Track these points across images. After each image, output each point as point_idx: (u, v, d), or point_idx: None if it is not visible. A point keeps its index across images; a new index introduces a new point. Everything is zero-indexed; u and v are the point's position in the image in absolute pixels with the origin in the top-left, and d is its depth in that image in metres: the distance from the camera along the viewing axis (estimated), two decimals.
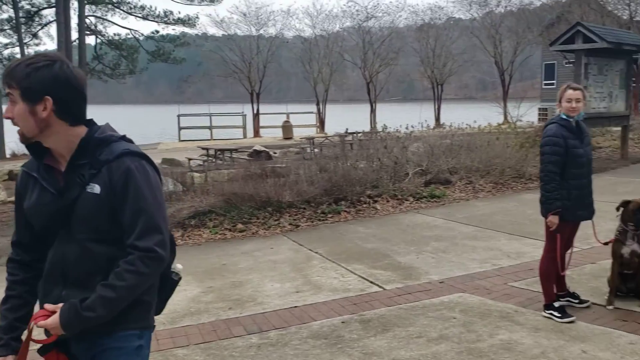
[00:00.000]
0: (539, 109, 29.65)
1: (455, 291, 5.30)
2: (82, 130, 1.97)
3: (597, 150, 14.83)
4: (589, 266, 5.76)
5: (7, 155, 25.52)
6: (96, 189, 1.90)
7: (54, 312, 1.88)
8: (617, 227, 4.77)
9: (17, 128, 1.94)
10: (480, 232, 7.55)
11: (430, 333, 4.36)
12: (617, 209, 4.75)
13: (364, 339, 4.31)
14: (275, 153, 19.86)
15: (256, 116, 34.31)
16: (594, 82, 12.35)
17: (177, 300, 5.12)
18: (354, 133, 18.40)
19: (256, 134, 33.52)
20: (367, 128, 22.61)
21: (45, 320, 1.87)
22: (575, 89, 4.54)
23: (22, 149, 20.75)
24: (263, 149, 19.93)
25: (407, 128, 14.78)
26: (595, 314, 4.58)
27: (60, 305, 1.89)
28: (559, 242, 4.52)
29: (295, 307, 5.11)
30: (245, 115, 34.12)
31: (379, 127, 16.94)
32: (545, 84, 36.84)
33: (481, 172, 11.35)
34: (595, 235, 4.72)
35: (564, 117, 4.51)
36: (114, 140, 1.99)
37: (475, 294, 5.19)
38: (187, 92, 72.20)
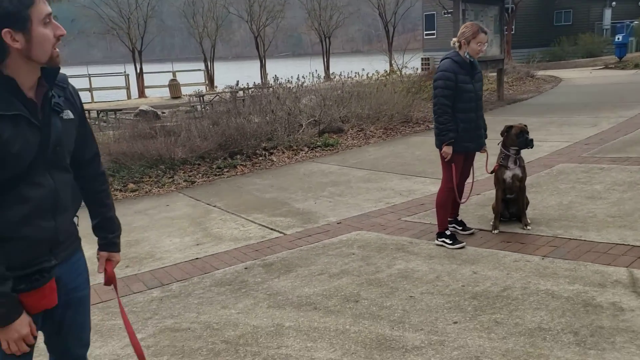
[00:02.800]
0: (422, 58, 30.74)
1: (353, 230, 5.45)
2: None
3: None
4: (475, 197, 6.11)
5: None
6: (70, 114, 1.93)
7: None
8: (499, 154, 5.09)
9: None
10: (374, 175, 7.79)
11: (332, 269, 4.47)
12: (502, 134, 5.05)
13: (268, 281, 4.33)
14: (163, 113, 19.10)
15: (140, 76, 32.60)
16: None
17: None
18: (244, 88, 18.09)
19: (141, 94, 31.94)
20: (258, 82, 22.27)
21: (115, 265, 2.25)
22: (486, 32, 4.70)
23: None
24: (150, 108, 19.10)
25: (298, 79, 14.76)
26: (482, 239, 4.91)
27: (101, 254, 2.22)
28: (454, 172, 4.77)
29: (197, 258, 5.02)
30: (128, 75, 32.34)
31: (270, 80, 16.78)
32: (427, 34, 38.21)
33: (371, 119, 11.65)
34: (487, 165, 5.00)
35: (467, 55, 4.66)
36: None
37: (371, 231, 5.37)
38: (62, 53, 66.65)
